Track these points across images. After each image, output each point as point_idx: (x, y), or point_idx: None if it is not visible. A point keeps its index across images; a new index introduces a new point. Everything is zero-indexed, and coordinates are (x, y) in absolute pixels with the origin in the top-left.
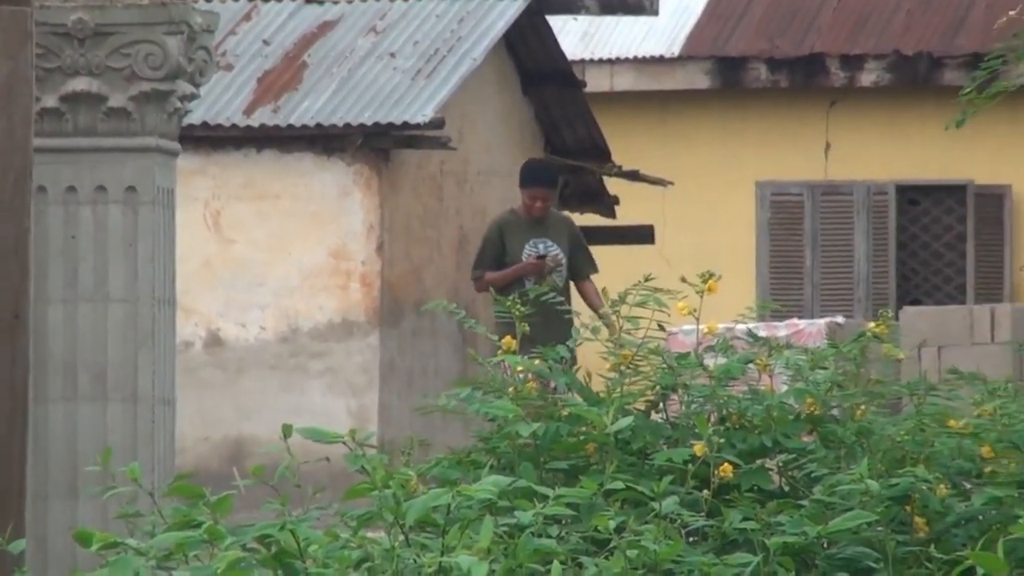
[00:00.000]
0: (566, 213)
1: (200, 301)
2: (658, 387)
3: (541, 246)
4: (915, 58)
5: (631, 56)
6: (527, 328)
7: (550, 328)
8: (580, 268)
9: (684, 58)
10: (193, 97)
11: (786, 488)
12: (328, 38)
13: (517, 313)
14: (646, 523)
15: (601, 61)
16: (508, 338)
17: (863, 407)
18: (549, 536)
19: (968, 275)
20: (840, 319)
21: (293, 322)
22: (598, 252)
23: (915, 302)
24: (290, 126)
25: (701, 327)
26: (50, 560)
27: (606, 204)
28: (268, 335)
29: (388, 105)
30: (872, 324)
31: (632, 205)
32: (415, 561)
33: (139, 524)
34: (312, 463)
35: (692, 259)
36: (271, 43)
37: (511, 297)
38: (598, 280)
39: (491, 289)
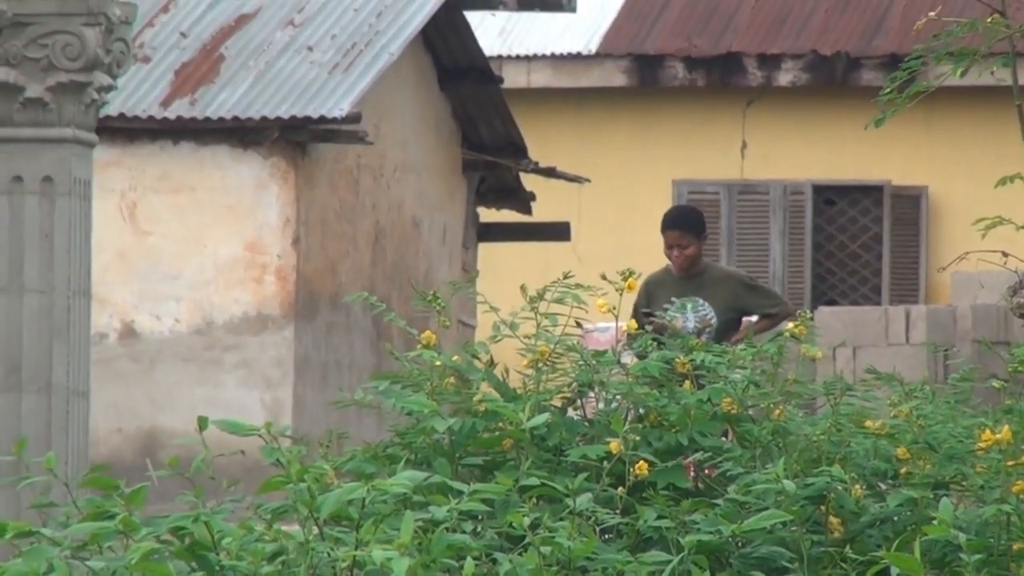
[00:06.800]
0: (733, 269)
1: (115, 292)
2: (575, 384)
3: (690, 305)
4: (832, 58)
5: (548, 53)
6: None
7: None
8: (760, 311)
9: (601, 55)
10: (110, 88)
11: (701, 487)
12: (246, 31)
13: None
14: (561, 520)
15: (518, 57)
16: None
17: (780, 407)
18: (463, 532)
19: (884, 276)
20: (755, 318)
21: (208, 315)
22: (513, 248)
23: (831, 302)
24: (207, 119)
25: (620, 324)
26: None
27: (522, 200)
28: (182, 327)
29: (305, 99)
30: (791, 324)
31: (548, 202)
32: (329, 555)
33: (53, 514)
34: (227, 456)
35: (607, 257)
36: (188, 35)
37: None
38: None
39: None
